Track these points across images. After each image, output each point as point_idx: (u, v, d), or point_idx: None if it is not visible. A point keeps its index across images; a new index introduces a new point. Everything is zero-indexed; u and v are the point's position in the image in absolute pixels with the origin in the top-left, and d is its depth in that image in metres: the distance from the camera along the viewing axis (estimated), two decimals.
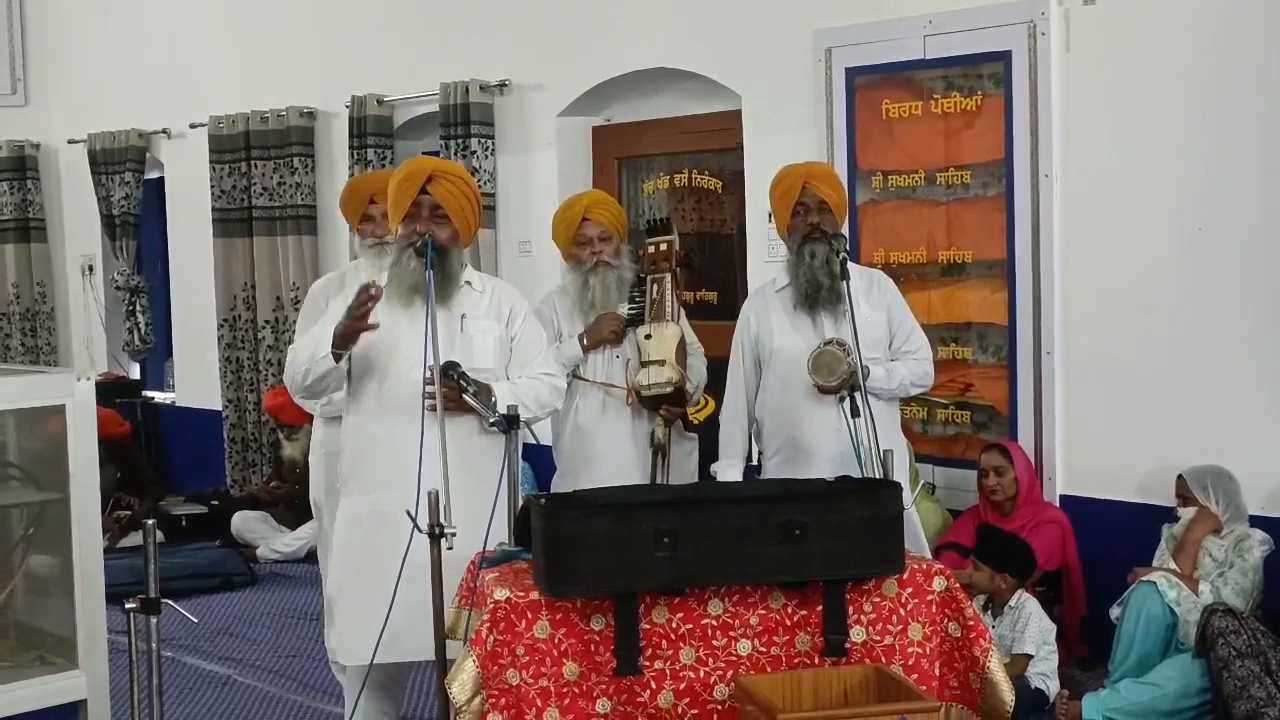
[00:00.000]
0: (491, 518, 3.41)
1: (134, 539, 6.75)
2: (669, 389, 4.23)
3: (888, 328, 4.14)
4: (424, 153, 7.27)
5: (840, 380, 3.90)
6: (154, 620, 3.14)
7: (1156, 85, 4.61)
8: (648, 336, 4.30)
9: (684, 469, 4.50)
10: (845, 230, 4.29)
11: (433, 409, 3.44)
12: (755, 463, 4.53)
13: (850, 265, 4.16)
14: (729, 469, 4.22)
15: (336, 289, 4.40)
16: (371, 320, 3.65)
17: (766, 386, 4.20)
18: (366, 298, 3.50)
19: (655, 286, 4.38)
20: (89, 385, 3.32)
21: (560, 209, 4.61)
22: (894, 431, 4.16)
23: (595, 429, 4.44)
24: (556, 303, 4.53)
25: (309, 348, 3.66)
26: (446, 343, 3.57)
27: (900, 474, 4.03)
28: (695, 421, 4.60)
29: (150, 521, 3.13)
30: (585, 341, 4.42)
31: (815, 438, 4.06)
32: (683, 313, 4.56)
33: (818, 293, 4.06)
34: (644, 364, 4.27)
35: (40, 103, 9.32)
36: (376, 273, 4.25)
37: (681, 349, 4.31)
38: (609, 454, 4.41)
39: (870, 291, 4.14)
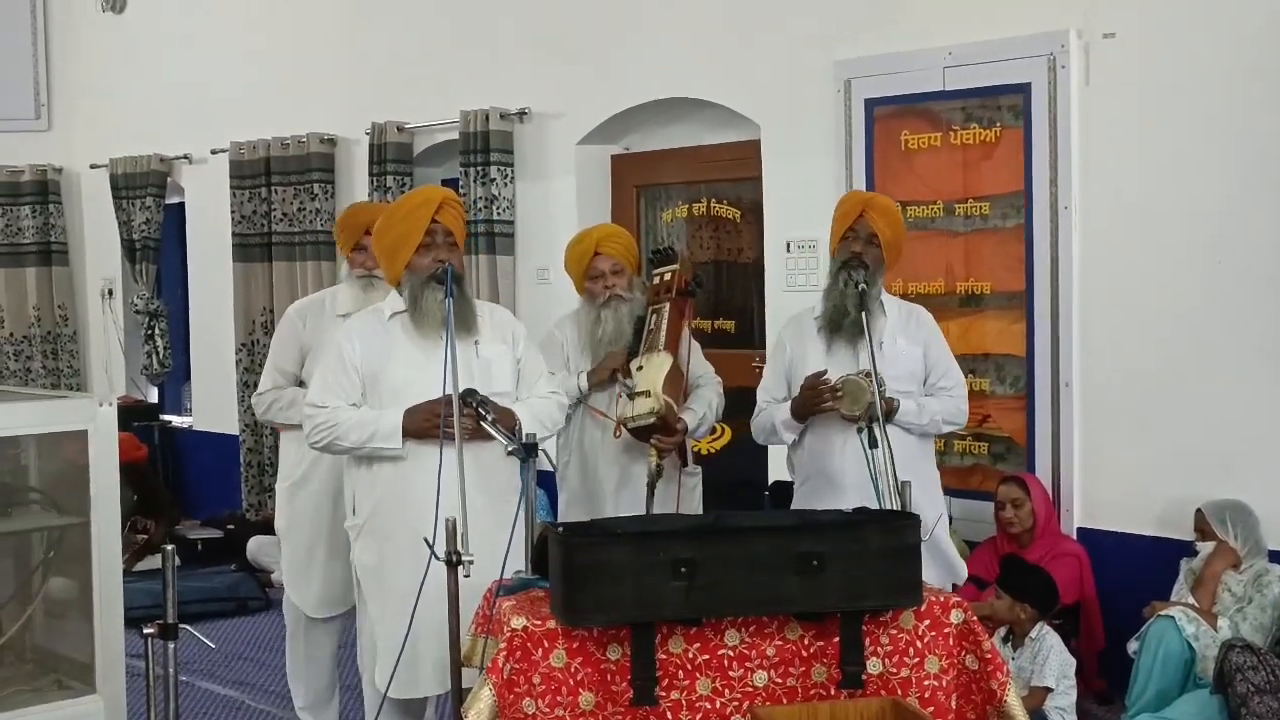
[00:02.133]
0: (509, 545, 3.42)
1: (150, 563, 6.76)
2: (651, 419, 4.17)
3: (924, 362, 4.09)
4: (443, 180, 7.32)
5: (863, 410, 3.88)
6: (171, 645, 3.14)
7: (1176, 118, 4.62)
8: (639, 368, 4.27)
9: (689, 502, 4.45)
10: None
11: (451, 438, 3.43)
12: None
13: (889, 299, 4.16)
14: (778, 409, 4.16)
15: (316, 313, 4.43)
16: (393, 353, 3.66)
17: None
18: (439, 416, 3.51)
19: (654, 317, 4.34)
20: (111, 410, 3.34)
21: (572, 243, 4.60)
22: (927, 467, 4.12)
23: (599, 458, 4.42)
24: (569, 330, 4.51)
25: (363, 423, 3.61)
26: (465, 369, 3.57)
27: (935, 508, 4.02)
28: (710, 451, 4.58)
29: (170, 547, 3.14)
30: (590, 379, 4.39)
31: (842, 467, 4.01)
32: (695, 343, 4.52)
33: (841, 320, 4.03)
34: (631, 396, 4.24)
35: (63, 127, 9.40)
36: (360, 304, 4.24)
37: (672, 378, 4.24)
38: (615, 482, 4.39)
39: (908, 325, 4.11)
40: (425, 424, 3.56)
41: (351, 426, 3.63)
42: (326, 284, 7.46)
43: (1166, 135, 4.64)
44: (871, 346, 3.85)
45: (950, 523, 5.07)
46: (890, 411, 3.96)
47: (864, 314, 3.92)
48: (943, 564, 4.05)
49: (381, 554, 3.68)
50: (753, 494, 5.63)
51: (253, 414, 7.71)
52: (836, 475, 4.00)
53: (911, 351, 4.07)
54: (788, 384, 4.17)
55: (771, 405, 4.19)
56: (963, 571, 4.24)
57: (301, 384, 4.41)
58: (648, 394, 4.15)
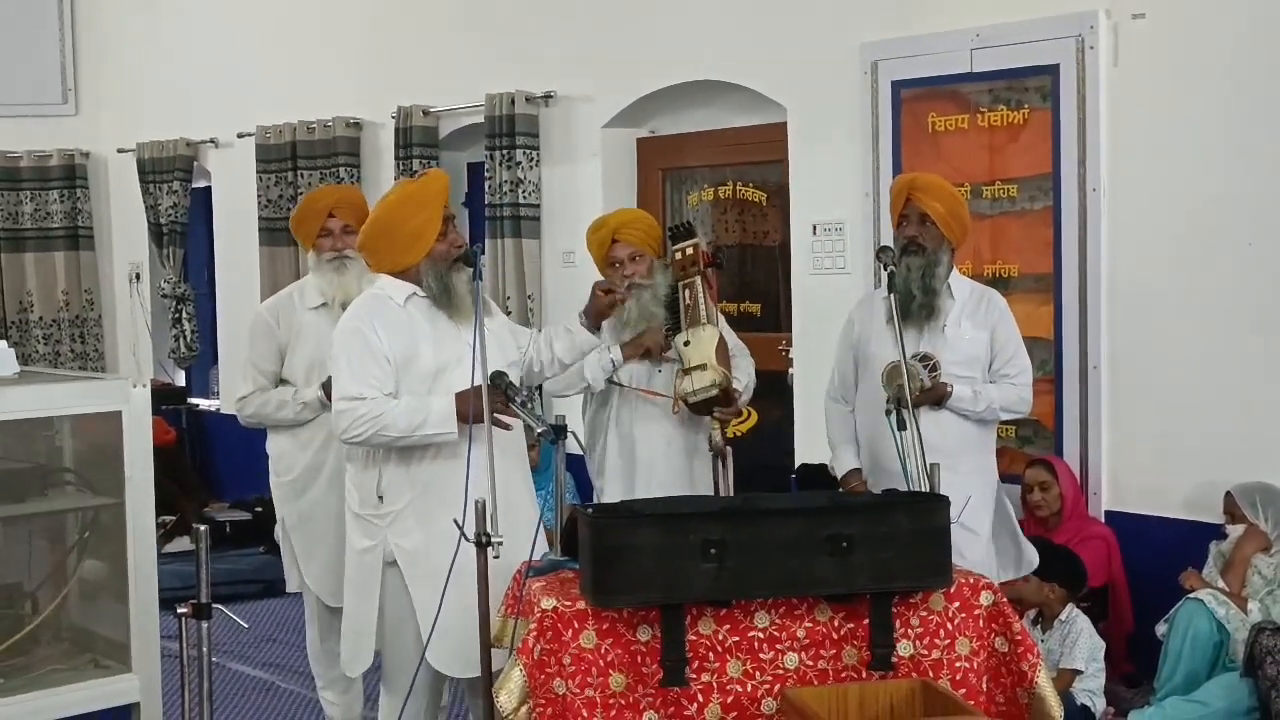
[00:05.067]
0: (538, 527, 3.43)
1: (177, 545, 6.81)
2: (715, 391, 4.17)
3: (989, 347, 4.09)
4: (469, 164, 7.34)
5: (914, 397, 3.87)
6: (205, 625, 3.15)
7: (1206, 99, 4.59)
8: (686, 343, 4.27)
9: (727, 476, 4.47)
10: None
11: (495, 424, 3.42)
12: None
13: (961, 281, 4.16)
14: (844, 456, 4.24)
15: (286, 310, 4.44)
16: (419, 338, 3.61)
17: (861, 393, 4.20)
18: (504, 415, 3.48)
19: (687, 293, 4.34)
20: (144, 392, 3.37)
21: (591, 228, 4.59)
22: (983, 455, 4.12)
23: (636, 436, 4.43)
24: None
25: (411, 411, 3.50)
26: (489, 347, 3.55)
27: (988, 496, 4.03)
28: (738, 434, 4.57)
29: (203, 527, 3.15)
30: (623, 352, 4.40)
31: (891, 450, 4.02)
32: (721, 317, 4.53)
33: (908, 305, 4.02)
34: (686, 371, 4.25)
35: (90, 112, 9.44)
36: (332, 289, 4.25)
37: (722, 349, 4.27)
38: (651, 461, 4.41)
39: (978, 309, 4.10)
40: (480, 411, 3.45)
41: (399, 415, 3.51)
42: None
43: (1196, 117, 4.61)
44: (899, 329, 3.83)
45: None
46: (944, 396, 3.96)
47: (893, 295, 3.92)
48: (1014, 552, 4.15)
49: (428, 537, 3.57)
50: (779, 477, 5.63)
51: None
52: (887, 461, 3.99)
53: (976, 336, 4.05)
54: (854, 361, 4.19)
55: (839, 446, 4.27)
56: (1033, 558, 4.27)
57: (284, 382, 4.44)
58: (704, 367, 4.16)
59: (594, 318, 3.93)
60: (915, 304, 4.00)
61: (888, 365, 3.90)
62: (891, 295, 3.93)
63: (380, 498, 3.65)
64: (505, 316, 3.89)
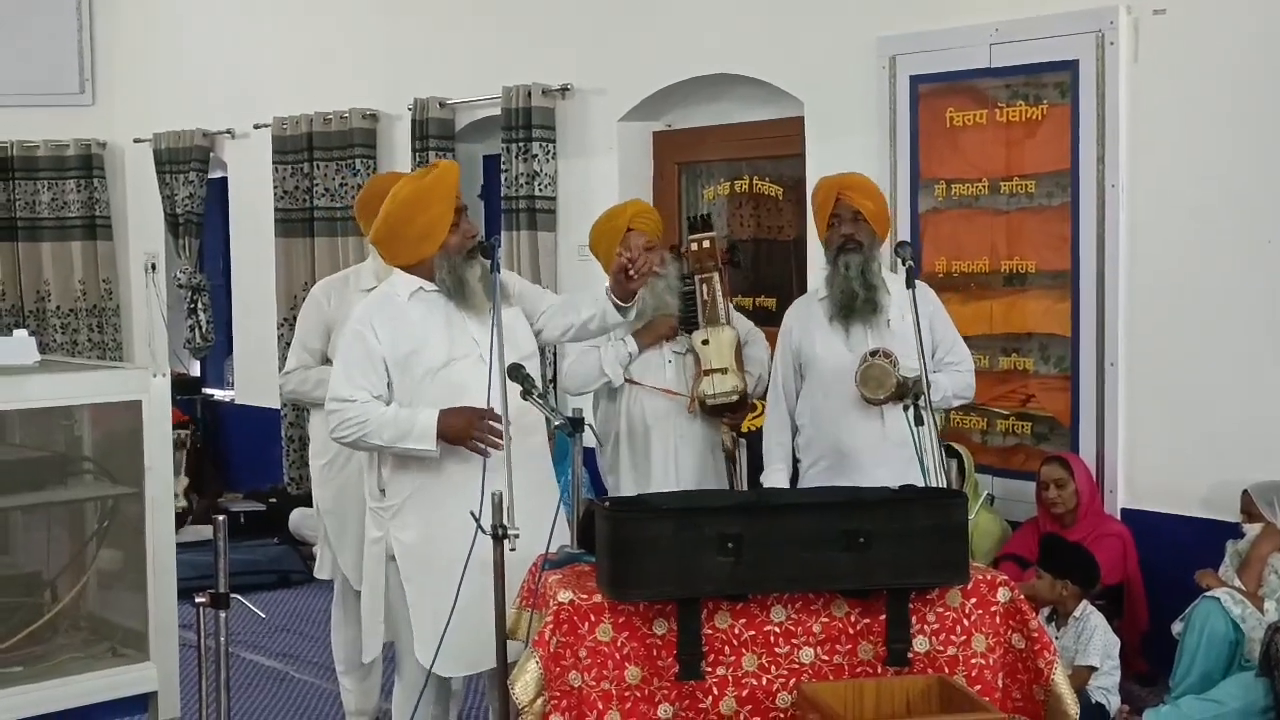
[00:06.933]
0: (555, 519, 3.44)
1: (185, 534, 6.82)
2: (734, 398, 4.21)
3: (930, 338, 4.11)
4: (484, 157, 7.34)
5: (889, 393, 3.89)
6: (223, 615, 3.17)
7: (1226, 96, 4.57)
8: (705, 342, 4.28)
9: (739, 471, 4.50)
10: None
11: (485, 452, 3.41)
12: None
13: (891, 276, 4.17)
14: (775, 475, 4.26)
15: (339, 290, 4.46)
16: (424, 333, 3.60)
17: (807, 395, 4.21)
18: (492, 432, 3.46)
19: (705, 287, 4.36)
20: (164, 381, 3.39)
21: (602, 219, 4.60)
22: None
23: (651, 433, 4.44)
24: None
25: (396, 422, 3.51)
26: (499, 342, 3.55)
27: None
28: (751, 429, 4.59)
29: (221, 517, 3.17)
30: (638, 341, 4.40)
31: (858, 446, 4.06)
32: (732, 309, 4.54)
33: (852, 303, 4.06)
34: (707, 372, 4.25)
35: (107, 102, 9.46)
36: (383, 272, 4.29)
37: (738, 353, 4.29)
38: (665, 457, 4.41)
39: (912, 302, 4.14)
40: (460, 434, 3.49)
41: (384, 424, 3.52)
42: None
43: (1216, 113, 4.59)
44: (917, 323, 3.83)
45: (992, 502, 5.10)
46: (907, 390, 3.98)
47: (911, 290, 3.91)
48: None
49: (426, 531, 3.59)
50: (793, 472, 5.62)
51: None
52: (852, 454, 4.03)
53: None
54: (796, 369, 4.20)
55: (771, 464, 4.25)
56: None
57: (328, 361, 4.44)
58: (725, 371, 4.17)
59: (618, 286, 3.76)
60: (859, 301, 4.03)
61: (861, 364, 3.91)
62: (910, 290, 3.92)
63: (382, 491, 3.68)
64: (518, 308, 3.87)
